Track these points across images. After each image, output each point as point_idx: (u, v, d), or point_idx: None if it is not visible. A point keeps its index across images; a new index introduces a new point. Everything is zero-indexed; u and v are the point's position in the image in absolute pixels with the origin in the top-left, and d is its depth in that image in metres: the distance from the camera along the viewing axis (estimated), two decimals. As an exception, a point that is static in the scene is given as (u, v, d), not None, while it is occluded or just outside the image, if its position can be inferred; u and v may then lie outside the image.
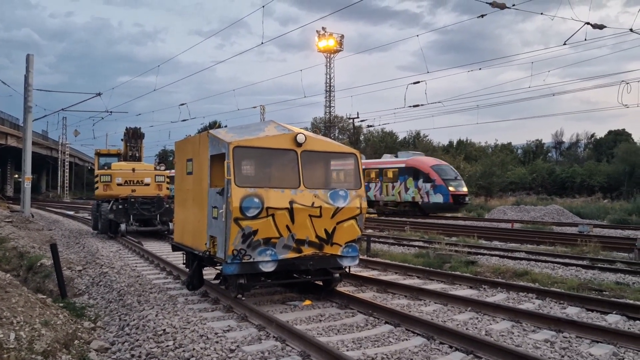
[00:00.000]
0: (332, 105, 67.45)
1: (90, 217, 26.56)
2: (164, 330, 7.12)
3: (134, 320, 8.02)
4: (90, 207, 40.30)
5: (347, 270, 9.19)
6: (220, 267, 9.17)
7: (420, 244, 19.08)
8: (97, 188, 20.37)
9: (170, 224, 19.99)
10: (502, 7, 14.13)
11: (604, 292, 10.17)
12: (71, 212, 36.57)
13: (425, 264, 13.60)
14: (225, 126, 9.59)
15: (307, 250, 8.44)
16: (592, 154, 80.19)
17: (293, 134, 8.50)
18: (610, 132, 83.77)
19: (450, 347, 6.40)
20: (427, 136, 74.83)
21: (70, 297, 10.52)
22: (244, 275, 8.20)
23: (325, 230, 8.52)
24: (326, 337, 6.92)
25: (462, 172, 65.39)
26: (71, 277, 12.34)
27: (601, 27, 16.16)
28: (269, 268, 8.21)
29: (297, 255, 8.36)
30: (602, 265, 13.64)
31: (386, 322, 7.54)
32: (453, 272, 11.73)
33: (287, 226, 8.19)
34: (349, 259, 8.86)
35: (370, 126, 40.59)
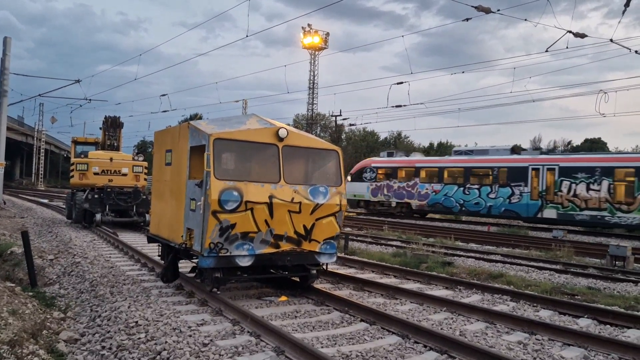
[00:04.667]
0: (314, 102, 67.33)
1: (64, 206, 26.07)
2: (136, 322, 6.99)
3: (105, 311, 7.86)
4: (65, 195, 39.70)
5: (324, 267, 9.15)
6: (196, 260, 9.07)
7: (398, 243, 19.19)
8: (73, 176, 20.00)
9: (146, 215, 19.72)
10: (487, 11, 14.21)
11: (576, 297, 10.33)
12: (45, 200, 35.88)
13: (402, 263, 13.66)
14: (207, 119, 9.47)
15: (285, 246, 8.38)
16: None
17: (275, 129, 8.42)
18: (586, 140, 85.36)
19: (425, 346, 6.41)
20: (408, 137, 75.22)
21: (41, 286, 10.29)
22: (220, 269, 8.11)
23: (304, 227, 8.47)
24: (301, 333, 6.88)
25: (441, 174, 66.22)
26: (42, 266, 12.08)
27: (582, 36, 16.36)
28: (245, 262, 8.13)
29: (274, 250, 8.29)
30: (575, 270, 13.85)
31: (362, 320, 7.53)
32: (429, 273, 11.78)
33: (266, 221, 8.12)
34: (327, 256, 8.83)
35: (353, 125, 40.60)
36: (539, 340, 6.85)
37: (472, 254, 16.43)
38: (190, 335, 6.49)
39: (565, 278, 12.77)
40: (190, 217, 8.38)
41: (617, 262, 15.14)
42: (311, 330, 7.08)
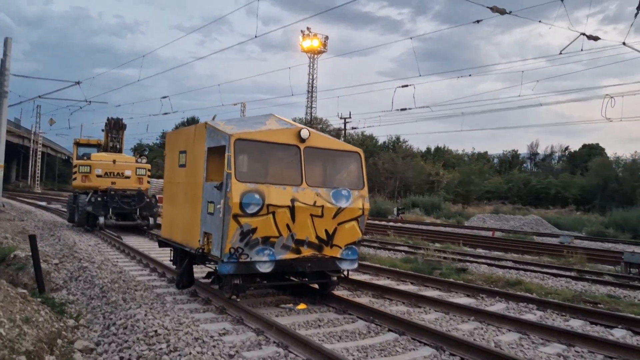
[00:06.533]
0: (313, 106, 67.08)
1: (65, 209, 25.66)
2: (156, 331, 6.65)
3: (120, 319, 7.51)
4: (64, 198, 39.16)
5: (345, 273, 8.82)
6: (214, 265, 8.74)
7: (406, 249, 18.90)
8: (75, 179, 19.60)
9: (150, 218, 19.36)
10: (502, 12, 13.95)
11: (599, 305, 10.05)
12: (43, 203, 35.41)
13: (414, 269, 13.36)
14: (224, 119, 9.15)
15: (306, 252, 8.06)
16: (566, 166, 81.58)
17: (297, 129, 8.12)
18: (584, 146, 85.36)
19: (462, 359, 6.09)
20: (406, 141, 75.06)
21: (48, 292, 9.93)
22: (240, 276, 7.78)
23: (326, 231, 8.16)
24: (329, 343, 6.55)
25: (440, 179, 66.03)
26: (47, 271, 11.68)
27: (596, 38, 16.15)
28: (266, 269, 7.80)
29: (295, 256, 7.97)
30: (591, 277, 13.60)
31: (389, 330, 7.21)
32: (447, 279, 11.48)
33: (287, 225, 7.80)
34: (348, 262, 8.51)
35: (355, 128, 40.29)
36: (579, 352, 6.55)
37: (483, 260, 16.15)
38: (214, 346, 6.15)
39: (582, 285, 12.49)
40: (208, 221, 8.06)
41: (631, 269, 14.89)
42: (338, 341, 6.76)
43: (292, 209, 7.76)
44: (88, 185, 19.25)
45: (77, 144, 21.73)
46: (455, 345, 6.33)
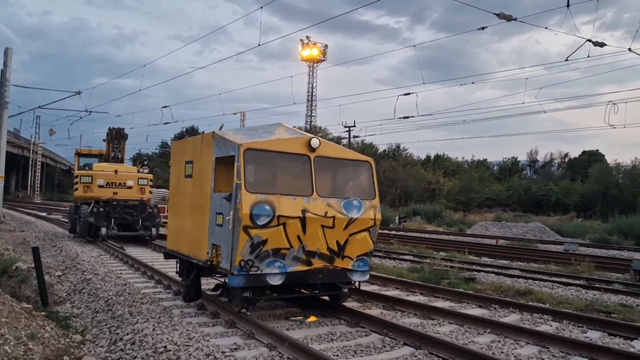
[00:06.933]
0: (313, 114, 67.04)
1: (66, 219, 25.45)
2: (165, 347, 6.46)
3: (127, 334, 7.32)
4: (64, 209, 38.92)
5: (356, 285, 8.64)
6: (221, 277, 8.56)
7: (411, 258, 18.71)
8: (77, 189, 19.42)
9: (153, 229, 19.16)
10: (509, 19, 13.88)
11: (612, 315, 9.86)
12: (44, 214, 35.19)
13: (421, 279, 13.17)
14: (231, 129, 8.98)
15: (317, 263, 7.88)
16: (566, 173, 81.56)
17: (306, 138, 7.97)
18: (584, 153, 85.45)
19: (483, 374, 5.91)
20: (406, 149, 75.02)
21: (51, 305, 9.73)
22: (250, 288, 7.59)
23: (337, 242, 7.98)
24: (343, 358, 6.37)
25: (441, 186, 65.89)
26: (50, 283, 11.49)
27: (602, 45, 16.06)
28: (276, 281, 7.61)
29: (306, 268, 7.79)
30: (600, 286, 13.41)
31: (405, 344, 7.01)
32: (458, 290, 11.29)
33: (298, 236, 7.62)
34: (360, 274, 8.32)
35: (357, 137, 40.17)
36: (602, 366, 6.36)
37: (491, 269, 15.96)
38: (226, 363, 5.96)
39: (593, 294, 12.32)
40: (217, 233, 7.88)
41: (641, 277, 14.71)
42: (353, 356, 6.57)
43: (303, 220, 7.58)
44: (90, 196, 19.07)
45: (79, 154, 21.57)
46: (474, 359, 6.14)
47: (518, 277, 14.52)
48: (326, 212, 7.78)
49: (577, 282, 14.01)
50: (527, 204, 69.00)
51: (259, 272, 7.45)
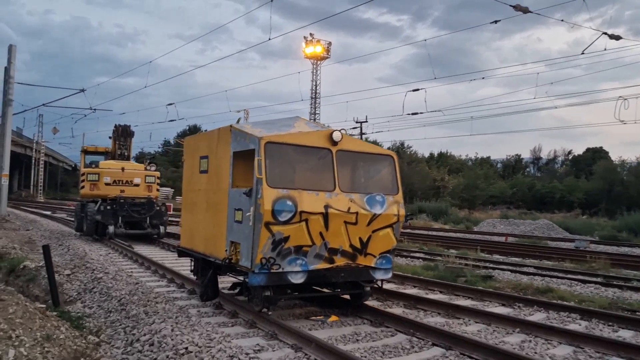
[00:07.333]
0: (317, 112, 66.69)
1: (71, 218, 25.20)
2: (186, 348, 6.19)
3: (144, 334, 7.06)
4: (69, 207, 38.69)
5: (379, 284, 8.37)
6: (240, 276, 8.30)
7: (422, 255, 18.45)
8: (83, 187, 19.14)
9: (161, 227, 18.91)
10: (525, 10, 13.59)
11: (638, 313, 9.59)
12: (48, 212, 34.96)
13: (437, 277, 12.90)
14: (249, 122, 8.74)
15: (340, 261, 7.61)
16: (570, 171, 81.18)
17: (328, 131, 7.69)
18: (588, 150, 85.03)
19: (521, 376, 5.64)
20: (411, 147, 74.72)
21: (62, 304, 9.47)
22: (271, 287, 7.33)
23: (360, 239, 7.71)
24: (372, 360, 6.10)
25: (446, 184, 65.60)
26: (60, 282, 11.24)
27: (617, 37, 15.78)
28: (298, 279, 7.35)
29: (329, 266, 7.52)
30: (619, 283, 13.15)
31: (434, 344, 6.74)
32: (478, 287, 11.01)
33: (321, 233, 7.35)
34: (382, 272, 8.05)
35: (364, 134, 39.83)
36: (643, 367, 6.09)
37: (505, 267, 15.69)
38: (252, 365, 5.70)
39: (613, 292, 12.04)
40: (235, 230, 7.61)
41: (658, 274, 14.45)
42: (381, 357, 6.30)
43: (325, 216, 7.31)
44: (96, 194, 18.81)
45: (85, 152, 21.30)
46: (511, 361, 5.87)
47: (534, 274, 14.23)
48: (349, 208, 7.51)
49: (594, 279, 13.72)
50: (531, 202, 68.66)
51: (280, 270, 7.19)
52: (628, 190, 61.69)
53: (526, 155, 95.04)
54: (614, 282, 13.31)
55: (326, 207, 7.32)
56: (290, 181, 7.54)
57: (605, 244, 26.63)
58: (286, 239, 7.12)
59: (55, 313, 8.26)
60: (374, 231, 7.79)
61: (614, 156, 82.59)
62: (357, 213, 7.57)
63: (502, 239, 27.91)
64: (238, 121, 8.47)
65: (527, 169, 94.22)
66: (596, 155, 79.59)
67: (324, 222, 7.33)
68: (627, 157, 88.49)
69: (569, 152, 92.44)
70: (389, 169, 8.21)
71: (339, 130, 7.70)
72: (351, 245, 7.64)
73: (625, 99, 23.14)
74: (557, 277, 13.78)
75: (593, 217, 53.46)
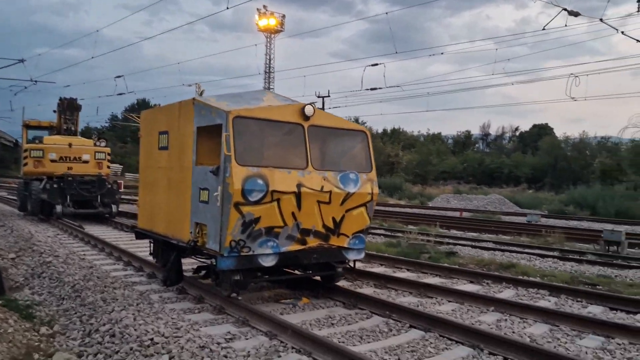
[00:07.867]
0: (271, 87, 65.51)
1: (13, 197, 23.74)
2: (152, 339, 5.72)
3: (103, 324, 6.52)
4: (8, 185, 36.63)
5: (351, 264, 8.10)
6: (205, 259, 7.84)
7: (383, 232, 18.41)
8: (26, 164, 17.95)
9: (113, 206, 18.02)
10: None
11: (598, 287, 9.78)
12: (-14, 190, 32.95)
13: (401, 253, 12.84)
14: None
15: (312, 242, 7.27)
16: (517, 146, 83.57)
17: (300, 105, 7.26)
18: (534, 126, 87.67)
19: (505, 358, 5.50)
20: (365, 122, 74.75)
21: (7, 292, 8.73)
22: (240, 271, 6.92)
23: (333, 219, 7.38)
24: (351, 345, 5.83)
25: (399, 160, 66.25)
26: (4, 267, 10.43)
27: (576, 14, 15.90)
28: (269, 262, 6.97)
29: (301, 247, 7.17)
30: (575, 257, 13.48)
31: (411, 326, 6.55)
32: (443, 264, 10.98)
33: (293, 213, 6.97)
34: (355, 252, 7.78)
35: (320, 109, 39.14)
36: (621, 345, 6.09)
37: (465, 242, 15.84)
38: (225, 356, 5.32)
39: (570, 266, 12.30)
40: (201, 210, 7.13)
41: (610, 247, 14.91)
42: (359, 342, 6.04)
43: (298, 196, 6.93)
44: (41, 171, 17.68)
45: (27, 127, 19.93)
46: (492, 342, 5.73)
47: (494, 249, 14.40)
48: (322, 187, 7.15)
49: (551, 253, 14.00)
50: (481, 177, 70.42)
51: (250, 253, 6.79)
52: (571, 165, 64.20)
53: (476, 131, 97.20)
54: (570, 256, 13.63)
55: (299, 186, 6.94)
56: (260, 159, 7.08)
57: (555, 218, 27.52)
58: (257, 220, 6.70)
59: (0, 302, 7.58)
60: (347, 210, 7.48)
61: (559, 132, 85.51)
62: (330, 192, 7.23)
63: (457, 214, 28.38)
64: (201, 93, 7.89)
65: (477, 145, 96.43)
66: (542, 131, 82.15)
67: (296, 202, 6.95)
68: (571, 134, 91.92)
69: (516, 129, 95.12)
70: (362, 145, 7.88)
71: (311, 104, 7.28)
72: (324, 226, 7.31)
73: (577, 76, 23.63)
74: (516, 252, 13.99)
75: (539, 191, 55.39)
